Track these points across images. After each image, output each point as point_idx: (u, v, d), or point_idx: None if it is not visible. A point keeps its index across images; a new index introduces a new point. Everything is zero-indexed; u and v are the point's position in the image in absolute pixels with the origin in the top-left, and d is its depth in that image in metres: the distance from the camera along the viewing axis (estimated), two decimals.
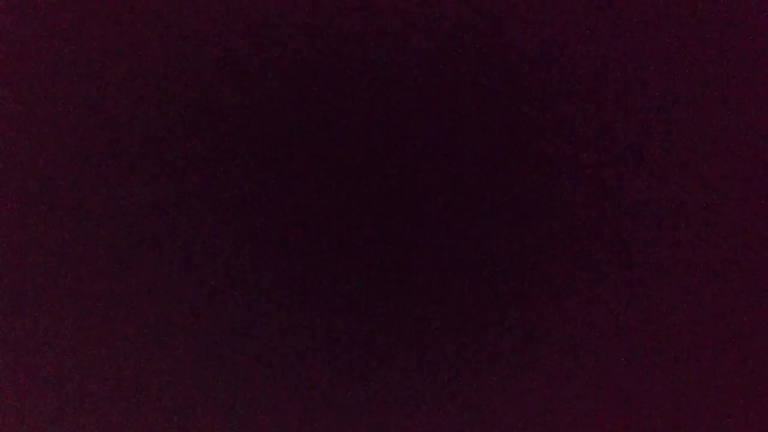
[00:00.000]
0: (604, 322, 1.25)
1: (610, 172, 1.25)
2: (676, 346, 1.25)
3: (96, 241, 1.27)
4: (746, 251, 1.25)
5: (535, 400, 1.26)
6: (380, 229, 1.26)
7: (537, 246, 1.25)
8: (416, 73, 1.26)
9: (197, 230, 1.27)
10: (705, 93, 1.26)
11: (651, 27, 1.26)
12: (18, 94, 1.29)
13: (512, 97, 1.26)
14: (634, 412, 1.26)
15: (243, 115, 1.27)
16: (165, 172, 1.27)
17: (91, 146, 1.28)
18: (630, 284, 1.25)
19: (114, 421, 1.28)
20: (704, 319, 1.25)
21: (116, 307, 1.27)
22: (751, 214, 1.25)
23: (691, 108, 1.26)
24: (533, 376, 1.26)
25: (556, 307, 1.25)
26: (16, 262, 1.28)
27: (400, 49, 1.26)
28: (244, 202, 1.27)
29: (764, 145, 1.25)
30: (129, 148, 1.27)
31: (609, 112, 1.26)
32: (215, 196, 1.27)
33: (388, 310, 1.26)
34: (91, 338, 1.28)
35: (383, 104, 1.26)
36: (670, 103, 1.26)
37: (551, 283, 1.25)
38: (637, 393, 1.25)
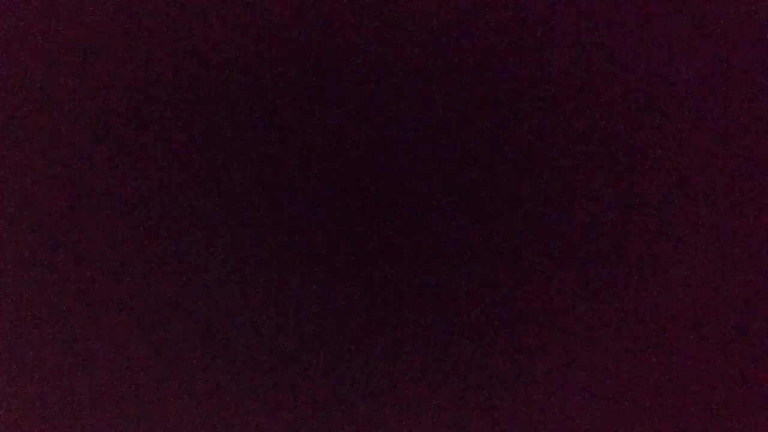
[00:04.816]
0: (604, 321, 1.25)
1: (609, 172, 1.25)
2: (677, 346, 1.25)
3: (95, 241, 1.27)
4: (747, 251, 1.25)
5: (535, 399, 1.26)
6: (380, 229, 1.26)
7: (537, 245, 1.25)
8: (416, 74, 1.26)
9: (197, 230, 1.27)
10: (705, 93, 1.26)
11: (651, 27, 1.26)
12: (18, 94, 1.28)
13: (512, 97, 1.26)
14: (634, 411, 1.26)
15: (243, 115, 1.27)
16: (165, 172, 1.27)
17: (91, 146, 1.28)
18: (630, 284, 1.25)
19: (112, 420, 1.28)
20: (705, 319, 1.25)
21: (116, 307, 1.27)
22: (751, 214, 1.25)
23: (691, 108, 1.26)
24: (533, 375, 1.26)
25: (556, 307, 1.25)
26: (15, 262, 1.28)
27: (400, 50, 1.26)
28: (246, 202, 1.27)
29: (764, 145, 1.25)
30: (129, 148, 1.27)
31: (609, 112, 1.26)
32: (215, 196, 1.27)
33: (388, 310, 1.26)
34: (91, 337, 1.28)
35: (384, 104, 1.26)
36: (670, 103, 1.26)
37: (551, 283, 1.25)
38: (637, 392, 1.26)
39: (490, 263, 1.25)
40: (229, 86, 1.27)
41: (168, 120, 1.27)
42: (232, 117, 1.27)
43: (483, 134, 1.26)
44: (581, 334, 1.25)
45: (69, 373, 1.28)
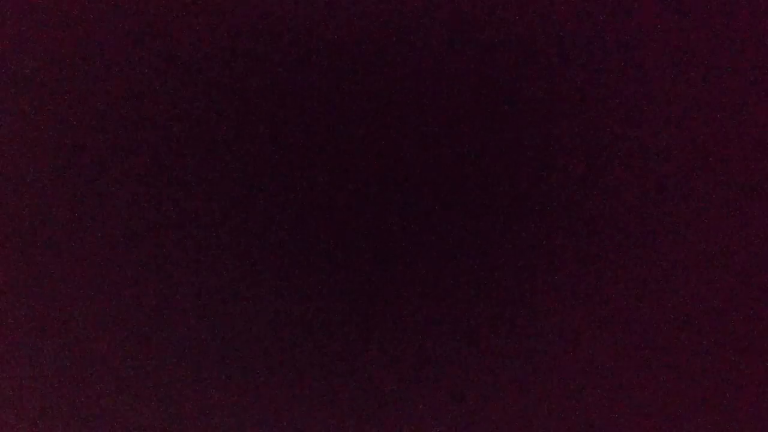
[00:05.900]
0: (604, 320, 1.25)
1: (609, 172, 1.25)
2: (676, 345, 1.25)
3: (95, 240, 1.28)
4: (746, 250, 1.25)
5: (533, 398, 1.26)
6: (379, 228, 1.26)
7: (536, 245, 1.25)
8: (415, 73, 1.26)
9: (196, 229, 1.27)
10: (705, 93, 1.26)
11: (651, 27, 1.26)
12: (18, 94, 1.29)
13: (512, 97, 1.26)
14: (633, 410, 1.26)
15: (243, 114, 1.27)
16: (164, 172, 1.27)
17: (91, 146, 1.28)
18: (629, 283, 1.25)
19: (110, 420, 1.28)
20: (704, 318, 1.25)
21: (115, 307, 1.27)
22: (751, 214, 1.25)
23: (690, 109, 1.26)
24: (532, 375, 1.26)
25: (555, 306, 1.25)
26: (15, 261, 1.28)
27: (400, 49, 1.26)
28: (245, 202, 1.27)
29: (764, 145, 1.25)
30: (129, 147, 1.27)
31: (608, 112, 1.26)
32: (215, 195, 1.27)
33: (387, 309, 1.26)
34: (90, 337, 1.28)
35: (384, 104, 1.26)
36: (670, 103, 1.26)
37: (550, 282, 1.25)
38: (637, 391, 1.25)
39: (489, 262, 1.25)
40: (229, 85, 1.27)
41: (168, 119, 1.27)
42: (233, 116, 1.27)
43: (481, 134, 1.26)
44: (581, 334, 1.25)
45: (68, 372, 1.28)
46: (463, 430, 1.26)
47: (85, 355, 1.28)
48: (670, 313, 1.25)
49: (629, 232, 1.25)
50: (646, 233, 1.25)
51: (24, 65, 1.29)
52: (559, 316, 1.25)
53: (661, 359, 1.25)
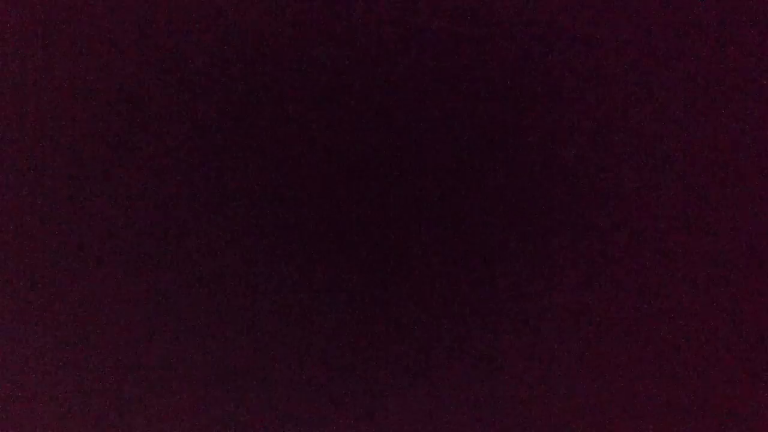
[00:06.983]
0: (602, 320, 1.25)
1: (607, 171, 1.25)
2: (675, 344, 1.25)
3: (95, 240, 1.28)
4: (745, 250, 1.25)
5: (532, 397, 1.26)
6: (379, 228, 1.26)
7: (535, 244, 1.25)
8: (415, 73, 1.26)
9: (196, 228, 1.27)
10: (705, 93, 1.26)
11: (650, 27, 1.26)
12: (18, 93, 1.29)
13: (511, 97, 1.26)
14: (632, 409, 1.26)
15: (243, 114, 1.27)
16: (164, 171, 1.27)
17: (91, 145, 1.28)
18: (628, 281, 1.25)
19: (109, 420, 1.28)
20: (703, 317, 1.25)
21: (115, 307, 1.27)
22: (750, 214, 1.25)
23: (689, 108, 1.26)
24: (531, 374, 1.26)
25: (554, 305, 1.25)
26: (15, 262, 1.28)
27: (400, 49, 1.26)
28: (245, 202, 1.27)
29: (764, 144, 1.25)
30: (129, 146, 1.27)
31: (608, 111, 1.26)
32: (215, 195, 1.27)
33: (386, 308, 1.26)
34: (90, 337, 1.28)
35: (383, 104, 1.26)
36: (669, 103, 1.26)
37: (549, 281, 1.25)
38: (636, 390, 1.25)
39: (489, 262, 1.25)
40: (230, 84, 1.27)
41: (169, 118, 1.27)
42: (233, 115, 1.27)
43: (478, 134, 1.26)
44: (581, 333, 1.25)
45: (68, 372, 1.28)
46: (462, 429, 1.26)
47: (84, 354, 1.28)
48: (671, 312, 1.25)
49: (629, 232, 1.25)
50: (646, 233, 1.25)
51: (24, 65, 1.29)
52: (560, 316, 1.25)
53: (661, 360, 1.25)
